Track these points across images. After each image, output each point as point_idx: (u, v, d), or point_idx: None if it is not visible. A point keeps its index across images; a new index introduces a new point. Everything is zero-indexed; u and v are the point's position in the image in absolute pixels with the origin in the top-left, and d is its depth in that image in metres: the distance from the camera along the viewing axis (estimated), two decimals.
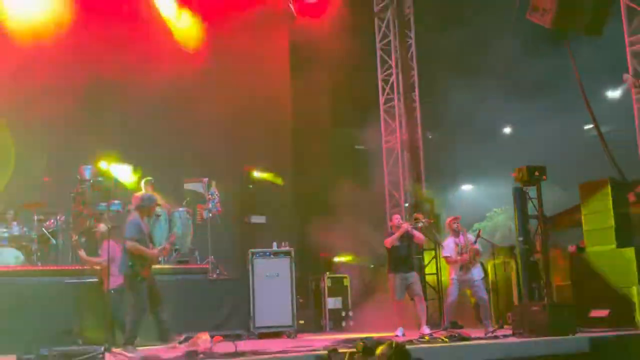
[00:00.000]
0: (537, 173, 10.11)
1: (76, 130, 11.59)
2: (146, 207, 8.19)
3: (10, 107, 11.37)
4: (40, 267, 9.76)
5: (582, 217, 10.69)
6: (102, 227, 9.05)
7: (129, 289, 7.96)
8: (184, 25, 13.09)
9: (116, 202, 10.34)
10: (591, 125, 12.72)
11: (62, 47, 11.81)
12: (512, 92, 15.96)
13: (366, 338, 4.50)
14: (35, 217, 10.17)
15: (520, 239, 10.16)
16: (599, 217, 10.15)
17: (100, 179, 10.74)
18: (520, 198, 10.24)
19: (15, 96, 11.44)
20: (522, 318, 8.87)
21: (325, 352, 5.60)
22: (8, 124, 11.39)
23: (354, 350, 4.30)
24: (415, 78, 14.27)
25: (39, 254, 10.05)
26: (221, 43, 12.95)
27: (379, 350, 3.96)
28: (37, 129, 11.47)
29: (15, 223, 9.99)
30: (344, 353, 4.29)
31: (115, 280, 8.51)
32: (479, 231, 11.69)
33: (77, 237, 9.59)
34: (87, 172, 10.62)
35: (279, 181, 13.41)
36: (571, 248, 12.14)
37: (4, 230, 9.83)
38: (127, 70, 11.96)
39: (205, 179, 11.17)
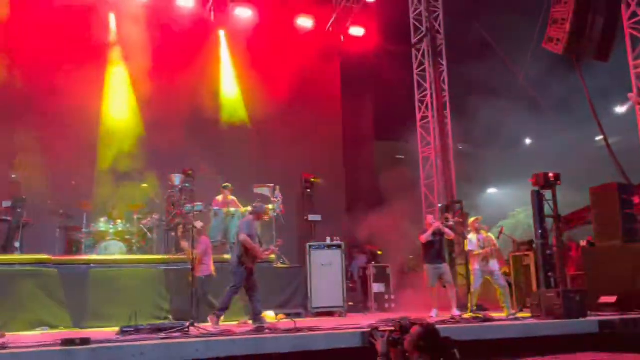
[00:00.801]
0: (552, 178, 10.05)
1: (167, 143, 11.93)
2: (258, 213, 8.59)
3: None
4: (138, 257, 10.00)
5: (593, 216, 10.50)
6: (199, 223, 9.25)
7: (231, 273, 8.23)
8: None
9: (199, 203, 10.64)
10: (601, 137, 12.49)
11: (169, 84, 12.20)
12: (531, 109, 15.74)
13: (402, 318, 4.49)
14: (135, 216, 10.53)
15: (538, 234, 10.07)
16: (607, 216, 9.96)
17: (187, 184, 11.04)
18: (537, 200, 10.15)
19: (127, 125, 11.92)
20: (540, 303, 8.75)
21: (369, 329, 5.64)
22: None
23: (393, 329, 4.32)
24: (447, 98, 14.21)
25: (138, 246, 10.36)
26: (286, 72, 13.17)
27: (413, 329, 3.99)
28: (134, 147, 11.91)
29: (119, 221, 10.35)
30: (385, 331, 4.31)
31: (207, 269, 8.84)
32: (502, 228, 11.55)
33: (181, 231, 9.90)
34: (176, 179, 10.96)
35: (317, 180, 13.44)
36: (583, 243, 11.92)
37: (111, 226, 10.17)
38: (213, 102, 12.31)
39: (272, 185, 11.35)
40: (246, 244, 8.09)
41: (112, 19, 12.48)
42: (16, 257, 9.28)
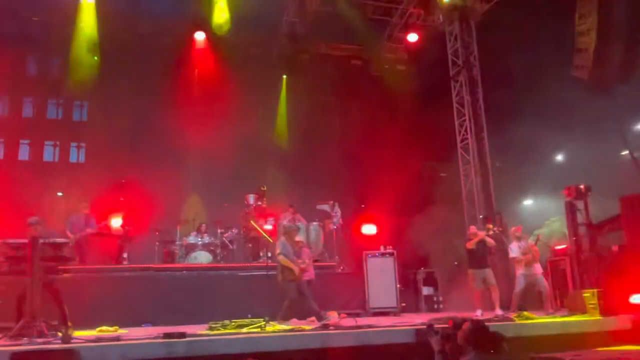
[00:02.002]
0: (584, 190, 9.77)
1: (242, 168, 12.29)
2: (288, 233, 8.56)
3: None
4: (222, 265, 10.26)
5: (623, 223, 10.05)
6: (299, 237, 9.41)
7: (283, 286, 8.25)
8: None
9: (271, 219, 10.90)
10: (626, 152, 11.99)
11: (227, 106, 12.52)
12: (563, 126, 15.24)
13: (453, 317, 4.45)
14: (219, 230, 10.84)
15: (573, 241, 9.75)
16: (636, 223, 9.51)
17: (259, 203, 11.34)
18: (571, 210, 9.89)
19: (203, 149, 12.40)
20: (576, 302, 8.49)
21: (424, 326, 5.62)
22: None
23: (446, 325, 4.31)
24: (484, 122, 14.01)
25: (221, 255, 10.62)
26: (341, 101, 13.35)
27: (465, 325, 3.99)
28: (216, 170, 12.32)
29: (206, 234, 10.67)
30: (439, 328, 4.30)
31: (309, 274, 8.99)
32: (538, 236, 11.23)
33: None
34: (251, 199, 11.28)
35: None
36: (615, 247, 11.38)
37: (199, 239, 10.50)
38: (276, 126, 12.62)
39: (331, 202, 11.49)
40: (283, 262, 8.10)
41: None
42: (125, 266, 9.78)
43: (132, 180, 12.09)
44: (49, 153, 12.95)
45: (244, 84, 12.90)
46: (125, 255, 10.18)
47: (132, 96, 12.01)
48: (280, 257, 8.14)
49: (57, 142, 13.01)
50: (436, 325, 4.47)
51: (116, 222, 10.55)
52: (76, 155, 13.38)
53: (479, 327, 3.91)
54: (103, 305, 8.35)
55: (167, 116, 11.98)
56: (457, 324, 4.09)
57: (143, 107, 12.16)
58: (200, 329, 6.82)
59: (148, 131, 12.23)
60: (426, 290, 12.10)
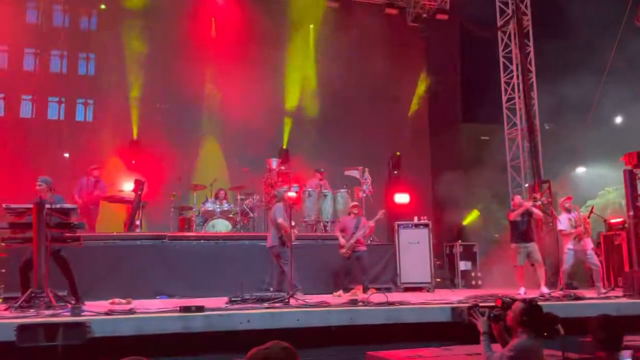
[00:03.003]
0: None
1: (267, 131, 12.19)
2: (281, 198, 8.75)
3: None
4: (242, 233, 10.29)
5: None
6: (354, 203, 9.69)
7: (279, 254, 8.41)
8: None
9: (295, 185, 10.83)
10: None
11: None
12: (621, 86, 14.66)
13: (503, 296, 4.34)
14: (239, 197, 10.82)
15: (631, 213, 9.46)
16: None
17: (283, 167, 11.27)
18: (630, 179, 9.53)
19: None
20: (633, 282, 8.26)
21: (465, 305, 5.51)
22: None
23: (493, 304, 4.22)
24: (534, 79, 13.53)
25: (241, 223, 10.64)
26: (374, 57, 13.05)
27: (515, 305, 3.89)
28: (236, 135, 12.27)
29: (225, 201, 10.62)
30: (485, 308, 4.20)
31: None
32: (592, 207, 10.91)
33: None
34: (274, 163, 11.21)
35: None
36: None
37: (218, 206, 10.44)
38: (304, 88, 12.45)
39: (361, 167, 11.33)
40: (282, 228, 8.31)
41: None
42: (138, 234, 9.90)
43: (145, 140, 12.16)
44: (54, 110, 13.01)
45: (267, 37, 12.68)
46: (137, 222, 10.28)
47: (145, 48, 11.89)
48: (280, 221, 8.35)
49: (62, 99, 13.04)
50: (481, 305, 4.36)
51: (128, 186, 10.63)
52: (83, 113, 13.43)
53: (532, 307, 3.80)
54: (114, 276, 8.51)
55: (184, 71, 11.86)
56: (507, 304, 3.98)
57: (157, 59, 12.05)
58: (219, 303, 6.86)
59: (162, 88, 12.15)
60: (464, 265, 12.01)
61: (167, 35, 12.07)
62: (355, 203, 9.88)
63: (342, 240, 9.24)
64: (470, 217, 13.63)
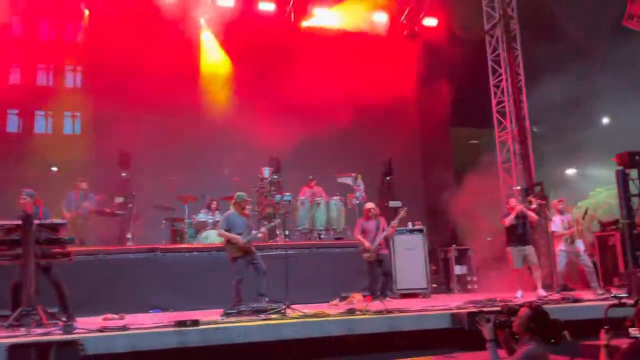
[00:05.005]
0: (637, 157, 9.47)
1: (256, 140, 12.08)
2: (238, 204, 8.13)
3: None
4: None
5: None
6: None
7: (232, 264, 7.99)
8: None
9: (287, 194, 10.73)
10: None
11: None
12: (609, 88, 14.77)
13: (508, 302, 4.26)
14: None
15: (624, 214, 9.48)
16: None
17: (275, 176, 11.16)
18: (622, 179, 9.57)
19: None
20: (630, 282, 8.26)
21: (465, 311, 5.44)
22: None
23: (500, 310, 4.15)
24: (523, 82, 13.56)
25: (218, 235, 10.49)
26: (364, 63, 13.00)
27: (521, 311, 3.82)
28: (227, 140, 12.11)
29: (217, 212, 10.47)
30: (490, 314, 4.12)
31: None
32: (586, 208, 10.93)
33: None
34: (266, 172, 11.10)
35: None
36: None
37: (210, 217, 10.34)
38: (294, 94, 12.34)
39: (354, 174, 11.28)
40: (223, 237, 7.93)
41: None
42: (129, 247, 9.73)
43: (135, 152, 11.99)
44: (41, 124, 12.82)
45: (251, 43, 12.60)
46: (129, 235, 10.14)
47: (132, 59, 11.75)
48: (219, 232, 8.00)
49: (49, 112, 12.85)
50: (486, 311, 4.29)
51: (118, 199, 10.47)
52: (71, 126, 13.24)
53: (539, 313, 3.75)
54: (106, 291, 8.36)
55: (173, 82, 11.74)
56: (513, 310, 3.91)
57: (144, 70, 11.91)
58: (214, 315, 6.73)
59: (151, 99, 11.99)
60: (459, 270, 11.96)
61: (155, 44, 11.92)
62: (372, 204, 9.54)
63: (366, 244, 9.00)
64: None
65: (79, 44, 13.07)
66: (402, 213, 9.42)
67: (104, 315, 7.35)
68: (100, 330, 5.61)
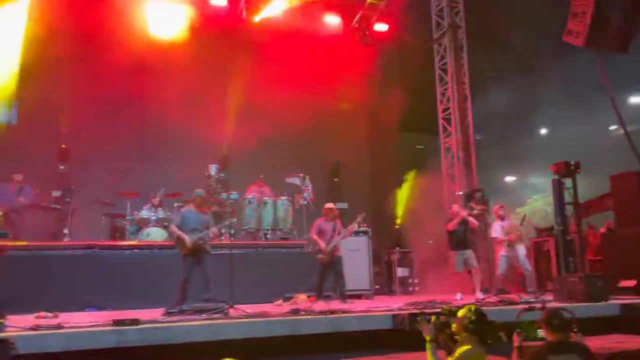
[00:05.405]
0: (572, 167, 9.87)
1: (203, 135, 11.87)
2: (195, 201, 8.14)
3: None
4: None
5: (612, 203, 10.26)
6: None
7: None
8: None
9: (234, 192, 10.61)
10: (616, 126, 12.18)
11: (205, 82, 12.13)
12: (549, 100, 15.46)
13: (448, 303, 4.40)
14: (176, 204, 10.40)
15: (559, 221, 9.90)
16: (627, 204, 9.72)
17: (222, 174, 11.03)
18: (558, 188, 9.98)
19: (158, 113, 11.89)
20: (562, 287, 8.63)
21: (406, 312, 5.55)
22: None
23: (440, 312, 4.27)
24: (468, 91, 13.98)
25: (168, 232, 10.22)
26: (314, 66, 13.00)
27: (461, 312, 3.94)
28: (173, 136, 11.84)
29: (161, 208, 10.25)
30: (430, 315, 4.24)
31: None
32: (524, 214, 11.37)
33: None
34: (212, 169, 10.95)
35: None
36: (602, 229, 11.68)
37: (153, 214, 10.10)
38: (244, 94, 12.21)
39: (302, 174, 11.28)
40: (172, 233, 7.88)
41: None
42: (66, 243, 9.38)
43: (75, 146, 11.56)
44: None
45: (205, 41, 12.38)
46: (65, 230, 9.76)
47: (74, 43, 11.28)
48: (170, 229, 7.95)
49: None
50: (427, 312, 4.41)
51: (55, 193, 10.08)
52: (7, 114, 12.60)
53: (477, 314, 3.86)
54: (41, 288, 8.05)
55: (118, 75, 11.37)
56: (452, 311, 4.04)
57: (84, 56, 11.47)
58: (155, 315, 6.57)
59: (95, 91, 11.56)
60: (401, 272, 12.18)
61: (99, 37, 11.51)
62: (331, 205, 9.52)
63: (322, 245, 8.95)
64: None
65: None
66: (359, 218, 9.44)
67: (37, 314, 7.05)
68: (33, 329, 5.41)
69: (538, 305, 4.85)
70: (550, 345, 4.18)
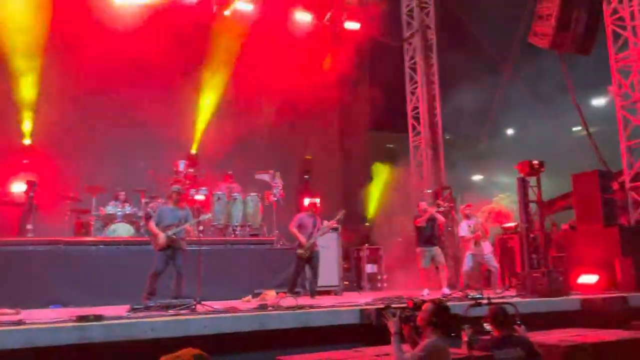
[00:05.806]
0: (537, 166, 10.11)
1: (172, 130, 11.75)
2: (172, 197, 8.07)
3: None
4: (146, 238, 9.54)
5: (574, 201, 10.53)
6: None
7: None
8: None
9: (203, 188, 10.52)
10: (579, 127, 12.52)
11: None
12: (515, 101, 15.75)
13: (414, 297, 4.51)
14: (143, 200, 10.33)
15: (523, 218, 10.12)
16: (588, 202, 9.99)
17: (191, 170, 10.93)
18: (523, 186, 10.20)
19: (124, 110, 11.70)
20: (525, 282, 8.81)
21: (373, 308, 5.59)
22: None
23: (405, 306, 4.33)
24: (437, 90, 14.15)
25: (145, 228, 10.01)
26: (285, 63, 12.98)
27: (425, 306, 4.01)
28: (140, 131, 11.67)
29: (127, 204, 10.11)
30: (396, 309, 4.30)
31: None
32: (490, 212, 11.57)
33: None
34: (181, 165, 10.84)
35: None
36: (564, 226, 11.98)
37: (120, 209, 9.95)
38: (216, 90, 12.09)
39: (272, 171, 11.23)
40: (150, 229, 7.90)
41: None
42: (29, 238, 9.16)
43: (39, 139, 11.29)
44: None
45: (177, 38, 12.22)
46: (29, 226, 9.53)
47: (43, 38, 11.01)
48: (149, 225, 7.96)
49: None
50: (393, 306, 4.45)
51: (18, 187, 9.82)
52: None
53: (440, 308, 3.94)
54: (3, 284, 7.82)
55: (85, 68, 11.13)
56: (417, 305, 4.10)
57: (53, 51, 11.20)
58: (120, 311, 6.47)
59: (55, 81, 11.29)
60: (370, 268, 12.27)
61: (68, 32, 11.26)
62: (313, 200, 9.51)
63: (302, 240, 8.92)
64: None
65: None
66: (339, 214, 9.45)
67: None
68: None
69: (484, 301, 5.05)
70: (495, 340, 4.43)
